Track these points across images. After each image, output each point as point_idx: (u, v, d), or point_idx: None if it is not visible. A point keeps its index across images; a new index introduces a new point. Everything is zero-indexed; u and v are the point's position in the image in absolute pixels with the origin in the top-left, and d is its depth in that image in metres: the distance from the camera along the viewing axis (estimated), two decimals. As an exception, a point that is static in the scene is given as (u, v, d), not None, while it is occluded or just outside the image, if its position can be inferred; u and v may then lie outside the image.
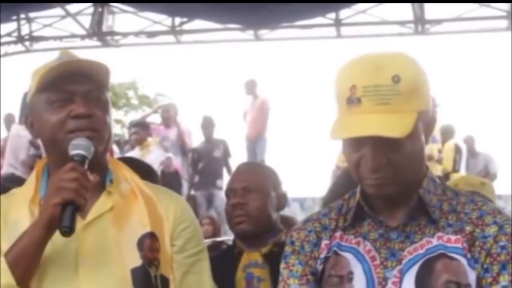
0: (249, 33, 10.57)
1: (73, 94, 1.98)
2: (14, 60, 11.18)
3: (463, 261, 1.77)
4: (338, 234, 1.90)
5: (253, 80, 12.07)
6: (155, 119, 12.15)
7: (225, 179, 10.84)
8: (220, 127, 11.49)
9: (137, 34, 10.73)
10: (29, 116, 2.07)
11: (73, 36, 10.68)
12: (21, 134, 10.63)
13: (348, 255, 1.86)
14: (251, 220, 2.94)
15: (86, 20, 10.52)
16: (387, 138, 1.72)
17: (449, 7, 9.74)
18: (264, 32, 10.56)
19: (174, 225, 2.03)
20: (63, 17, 10.67)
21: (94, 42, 10.72)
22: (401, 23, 10.05)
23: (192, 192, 10.85)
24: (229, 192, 3.04)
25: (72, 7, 10.31)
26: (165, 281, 1.99)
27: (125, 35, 10.80)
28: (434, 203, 1.84)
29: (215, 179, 10.90)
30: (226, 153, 11.09)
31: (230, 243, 3.21)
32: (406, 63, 1.79)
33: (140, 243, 1.97)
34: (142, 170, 2.42)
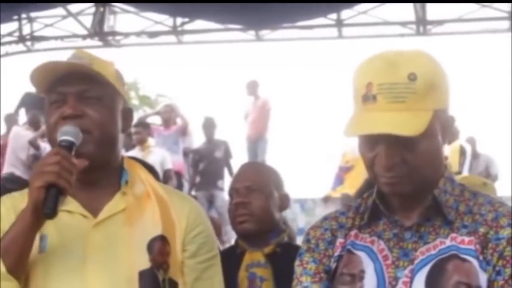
0: (250, 34, 10.58)
1: (66, 95, 1.99)
2: (15, 60, 11.18)
3: (475, 263, 1.76)
4: (353, 232, 1.89)
5: (254, 80, 12.07)
6: (155, 119, 12.15)
7: (226, 180, 10.85)
8: (222, 128, 11.50)
9: (139, 34, 10.74)
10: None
11: (74, 36, 10.69)
12: (20, 134, 10.64)
13: (361, 254, 1.85)
14: (254, 219, 2.94)
15: (88, 20, 10.53)
16: (402, 137, 1.71)
17: (450, 8, 9.75)
18: (265, 33, 10.57)
19: (187, 231, 2.01)
20: (64, 17, 10.67)
21: (95, 42, 10.72)
22: (403, 24, 10.05)
23: (193, 193, 10.84)
24: (232, 191, 3.04)
25: (74, 7, 10.32)
26: (173, 285, 1.97)
27: (127, 35, 10.81)
28: (450, 204, 1.83)
29: (216, 180, 10.89)
30: (228, 154, 11.09)
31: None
32: (423, 61, 1.78)
33: (150, 246, 1.95)
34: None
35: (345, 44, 10.07)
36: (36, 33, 10.91)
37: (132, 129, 10.17)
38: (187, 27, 10.52)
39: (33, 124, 10.71)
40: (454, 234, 1.80)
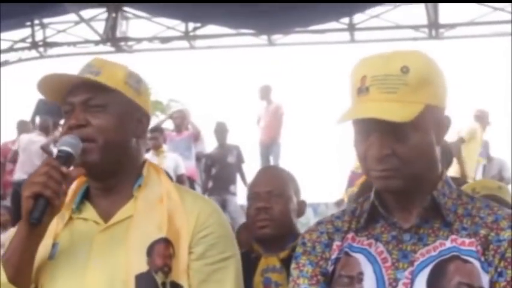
0: (263, 38, 10.58)
1: (73, 105, 2.03)
2: (28, 66, 11.22)
3: (477, 264, 1.76)
4: (350, 236, 1.89)
5: (267, 85, 12.06)
6: (168, 124, 12.17)
7: (239, 185, 10.85)
8: (234, 132, 11.50)
9: (151, 40, 10.76)
10: None
11: (87, 42, 10.71)
12: (34, 140, 10.69)
13: (359, 256, 1.85)
14: (274, 225, 2.95)
15: (100, 26, 10.55)
16: (393, 129, 1.73)
17: (463, 11, 9.72)
18: (277, 37, 10.57)
19: (194, 231, 1.99)
20: (76, 23, 10.71)
21: (108, 48, 10.75)
22: (415, 28, 10.03)
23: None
24: (253, 195, 3.04)
25: (86, 13, 10.35)
26: None
27: (139, 40, 10.83)
28: (449, 206, 1.83)
29: (228, 185, 10.89)
30: (240, 159, 11.08)
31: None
32: (418, 56, 1.81)
33: (150, 249, 1.95)
34: None
35: (357, 48, 10.03)
36: (48, 39, 10.95)
37: (148, 135, 10.21)
38: (199, 32, 10.53)
39: (44, 129, 10.75)
40: (454, 236, 1.80)
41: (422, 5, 9.63)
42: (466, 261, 1.76)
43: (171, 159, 9.81)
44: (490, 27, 9.96)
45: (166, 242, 1.96)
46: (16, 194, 9.85)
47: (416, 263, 1.79)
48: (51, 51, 11.09)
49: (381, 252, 1.83)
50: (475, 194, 2.65)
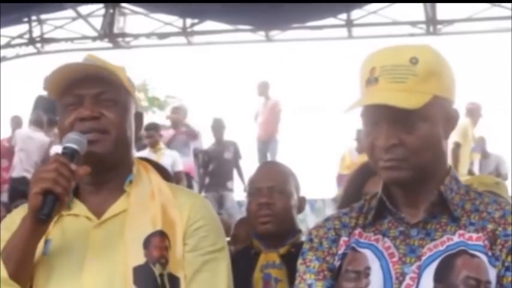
0: (260, 34, 10.58)
1: (82, 97, 2.02)
2: (25, 62, 11.21)
3: (484, 258, 1.76)
4: (357, 231, 1.90)
5: (265, 81, 12.06)
6: (165, 121, 12.16)
7: (236, 181, 10.85)
8: (231, 129, 11.49)
9: (148, 35, 10.77)
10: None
11: (84, 37, 10.72)
12: (32, 136, 10.65)
13: (366, 251, 1.85)
14: (276, 220, 2.95)
15: (97, 22, 10.56)
16: (401, 118, 1.75)
17: (460, 7, 9.72)
18: (275, 33, 10.57)
19: (187, 224, 2.02)
20: (74, 19, 10.71)
21: (105, 43, 10.75)
22: (413, 24, 10.04)
23: (203, 194, 10.84)
24: (255, 191, 3.03)
25: (84, 9, 10.35)
26: (174, 280, 1.97)
27: (136, 36, 10.83)
28: (456, 202, 1.83)
29: (226, 181, 10.89)
30: (237, 155, 11.08)
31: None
32: (426, 49, 1.83)
33: (146, 241, 1.96)
34: (157, 170, 2.41)
35: (355, 44, 10.05)
36: (46, 35, 10.95)
37: (144, 132, 10.23)
38: (197, 28, 10.53)
39: (38, 124, 10.73)
40: (461, 231, 1.80)
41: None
42: (474, 256, 1.77)
43: (169, 156, 9.80)
44: (488, 23, 9.98)
45: (162, 235, 1.97)
46: (14, 191, 9.84)
47: (423, 258, 1.79)
48: (49, 47, 11.09)
49: (388, 247, 1.83)
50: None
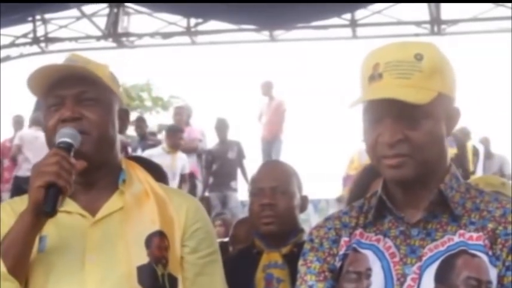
0: (264, 34, 10.57)
1: (64, 98, 2.02)
2: (29, 62, 11.21)
3: (485, 258, 1.75)
4: (358, 231, 1.89)
5: (269, 81, 12.05)
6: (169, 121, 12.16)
7: (240, 181, 10.84)
8: (235, 128, 11.49)
9: (152, 35, 10.76)
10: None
11: (88, 37, 10.71)
12: (37, 135, 10.68)
13: (368, 252, 1.84)
14: (279, 221, 2.94)
15: (102, 21, 10.55)
16: (405, 114, 1.74)
17: (465, 7, 9.70)
18: (279, 33, 10.56)
19: (186, 226, 2.03)
20: (78, 18, 10.70)
21: (109, 43, 10.75)
22: (417, 24, 10.02)
23: (206, 194, 10.85)
24: (257, 191, 3.01)
25: (88, 8, 10.35)
26: (173, 280, 1.98)
27: (140, 36, 10.83)
28: (457, 200, 1.82)
29: (229, 181, 10.89)
30: (241, 155, 11.08)
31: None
32: (430, 46, 1.82)
33: (148, 241, 1.97)
34: (151, 169, 2.40)
35: (359, 44, 10.04)
36: (50, 35, 10.94)
37: (166, 133, 10.35)
38: (201, 27, 10.52)
39: (39, 124, 10.76)
40: (461, 231, 1.79)
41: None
42: (474, 256, 1.76)
43: (181, 159, 9.94)
44: (492, 23, 9.95)
45: (162, 235, 1.99)
46: (18, 189, 9.86)
47: (424, 258, 1.78)
48: (53, 46, 11.08)
49: (389, 247, 1.82)
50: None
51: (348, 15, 10.00)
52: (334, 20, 10.06)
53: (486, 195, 1.85)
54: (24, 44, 11.04)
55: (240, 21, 10.12)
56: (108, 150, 2.05)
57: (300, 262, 1.93)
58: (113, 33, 10.52)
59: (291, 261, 2.79)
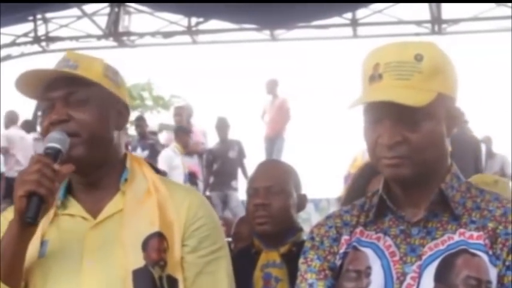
0: (265, 33, 10.57)
1: (54, 100, 1.99)
2: (30, 61, 11.22)
3: (485, 257, 1.75)
4: (359, 230, 1.89)
5: (274, 79, 12.01)
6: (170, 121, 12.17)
7: (240, 180, 10.84)
8: (236, 128, 11.48)
9: (153, 34, 10.76)
10: None
11: (89, 36, 10.71)
12: (23, 136, 10.73)
13: (367, 251, 1.84)
14: (274, 221, 2.92)
15: (102, 21, 10.55)
16: (405, 116, 1.74)
17: (466, 7, 9.70)
18: (280, 32, 10.56)
19: (186, 225, 1.98)
20: (79, 17, 10.71)
21: (110, 42, 10.75)
22: (418, 23, 10.02)
23: (207, 193, 10.85)
24: (252, 191, 3.00)
25: (89, 7, 10.35)
26: (173, 282, 1.94)
27: (141, 35, 10.83)
28: (457, 199, 1.82)
29: (230, 180, 10.88)
30: (241, 154, 11.07)
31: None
32: (431, 46, 1.82)
33: (145, 244, 1.93)
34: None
35: (360, 44, 10.06)
36: (51, 34, 10.94)
37: (176, 134, 10.45)
38: (201, 27, 10.52)
39: (26, 129, 10.83)
40: (462, 230, 1.79)
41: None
42: (474, 255, 1.76)
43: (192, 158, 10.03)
44: (493, 22, 9.94)
45: (160, 236, 1.94)
46: (8, 190, 9.93)
47: (424, 257, 1.78)
48: (54, 45, 11.08)
49: (389, 246, 1.82)
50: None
51: (348, 15, 10.00)
52: (335, 20, 10.06)
53: (487, 195, 1.85)
54: (25, 43, 11.04)
55: (241, 20, 10.12)
56: (103, 149, 2.00)
57: (301, 260, 1.93)
58: (114, 33, 10.52)
59: (289, 261, 2.79)
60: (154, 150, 10.72)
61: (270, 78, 12.07)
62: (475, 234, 1.78)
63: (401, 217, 1.83)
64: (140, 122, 11.89)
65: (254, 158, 11.01)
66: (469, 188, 1.86)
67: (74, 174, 2.00)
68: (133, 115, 21.56)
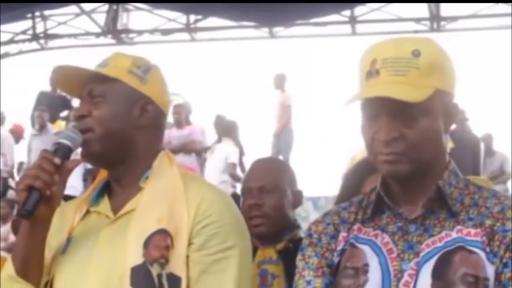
0: (264, 31, 10.58)
1: (81, 97, 2.05)
2: (29, 58, 11.22)
3: (482, 255, 1.75)
4: (356, 227, 1.88)
5: (281, 74, 11.87)
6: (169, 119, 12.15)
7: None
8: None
9: (152, 32, 10.77)
10: None
11: (88, 34, 10.73)
12: (6, 135, 10.76)
13: (365, 248, 1.84)
14: (268, 221, 2.90)
15: (101, 18, 10.57)
16: (402, 112, 1.74)
17: (464, 4, 9.70)
18: (278, 30, 10.57)
19: (194, 222, 1.93)
20: (77, 15, 10.72)
21: (108, 40, 10.76)
22: (417, 20, 10.04)
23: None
24: (245, 191, 2.98)
25: (87, 5, 10.35)
26: (174, 280, 1.90)
27: (140, 32, 10.84)
28: (455, 196, 1.82)
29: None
30: (240, 152, 11.05)
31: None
32: (428, 41, 1.82)
33: (147, 241, 1.92)
34: None
35: (359, 41, 10.06)
36: (49, 31, 10.95)
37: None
38: (200, 24, 10.53)
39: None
40: (459, 227, 1.78)
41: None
42: (472, 252, 1.75)
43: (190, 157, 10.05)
44: (492, 20, 9.95)
45: (164, 233, 1.92)
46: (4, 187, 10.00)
47: (421, 254, 1.78)
48: (52, 43, 11.10)
49: (387, 243, 1.82)
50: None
51: (347, 12, 10.01)
52: (334, 17, 10.08)
53: (485, 191, 1.84)
54: (23, 41, 11.05)
55: (240, 18, 10.12)
56: (119, 146, 2.00)
57: (298, 257, 1.92)
58: (112, 30, 10.53)
59: (286, 257, 2.78)
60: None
61: (277, 73, 11.95)
62: (473, 231, 1.77)
63: (398, 214, 1.83)
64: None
65: (257, 155, 10.99)
66: (467, 185, 1.85)
67: (104, 169, 2.06)
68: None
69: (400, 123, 1.75)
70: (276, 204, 2.91)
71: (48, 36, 10.96)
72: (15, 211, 8.09)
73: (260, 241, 2.94)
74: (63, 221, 2.03)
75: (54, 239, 2.00)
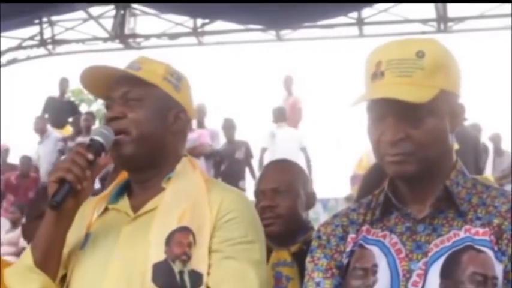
0: (271, 34, 10.58)
1: (112, 99, 2.07)
2: (36, 64, 11.26)
3: (490, 253, 1.75)
4: (365, 228, 1.89)
5: (289, 76, 11.90)
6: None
7: (248, 180, 10.84)
8: (243, 128, 11.47)
9: (159, 36, 10.78)
10: None
11: (95, 39, 10.74)
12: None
13: (374, 248, 1.85)
14: (281, 222, 2.91)
15: (108, 23, 10.58)
16: (408, 112, 1.74)
17: (471, 5, 9.69)
18: (286, 32, 10.57)
19: (217, 218, 1.98)
20: (85, 20, 10.73)
21: (116, 44, 10.77)
22: (424, 21, 10.02)
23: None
24: (258, 193, 2.99)
25: (94, 10, 10.37)
26: (196, 277, 1.93)
27: (147, 37, 10.85)
28: (463, 196, 1.82)
29: (237, 181, 10.86)
30: (249, 155, 11.07)
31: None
32: (433, 42, 1.83)
33: (169, 238, 1.94)
34: None
35: (366, 43, 10.07)
36: (57, 37, 10.98)
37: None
38: (207, 28, 10.54)
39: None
40: (467, 226, 1.79)
41: (430, -1, 9.61)
42: (480, 251, 1.76)
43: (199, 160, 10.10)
44: (499, 20, 9.93)
45: (186, 230, 1.95)
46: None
47: (430, 254, 1.78)
48: (60, 48, 11.12)
49: (395, 243, 1.83)
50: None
51: (354, 14, 10.00)
52: (341, 19, 10.07)
53: (493, 190, 1.85)
54: (31, 47, 11.08)
55: (247, 21, 10.13)
56: (152, 149, 2.04)
57: (308, 259, 1.93)
58: (120, 35, 10.54)
59: (300, 259, 2.77)
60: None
61: (286, 74, 11.97)
62: (481, 230, 1.77)
63: (407, 214, 1.83)
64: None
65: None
66: (475, 184, 1.86)
67: (129, 172, 2.09)
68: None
69: (406, 123, 1.76)
70: (290, 205, 2.93)
71: (55, 42, 10.99)
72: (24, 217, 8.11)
73: (274, 243, 2.94)
74: (81, 217, 2.06)
75: (72, 235, 2.03)
